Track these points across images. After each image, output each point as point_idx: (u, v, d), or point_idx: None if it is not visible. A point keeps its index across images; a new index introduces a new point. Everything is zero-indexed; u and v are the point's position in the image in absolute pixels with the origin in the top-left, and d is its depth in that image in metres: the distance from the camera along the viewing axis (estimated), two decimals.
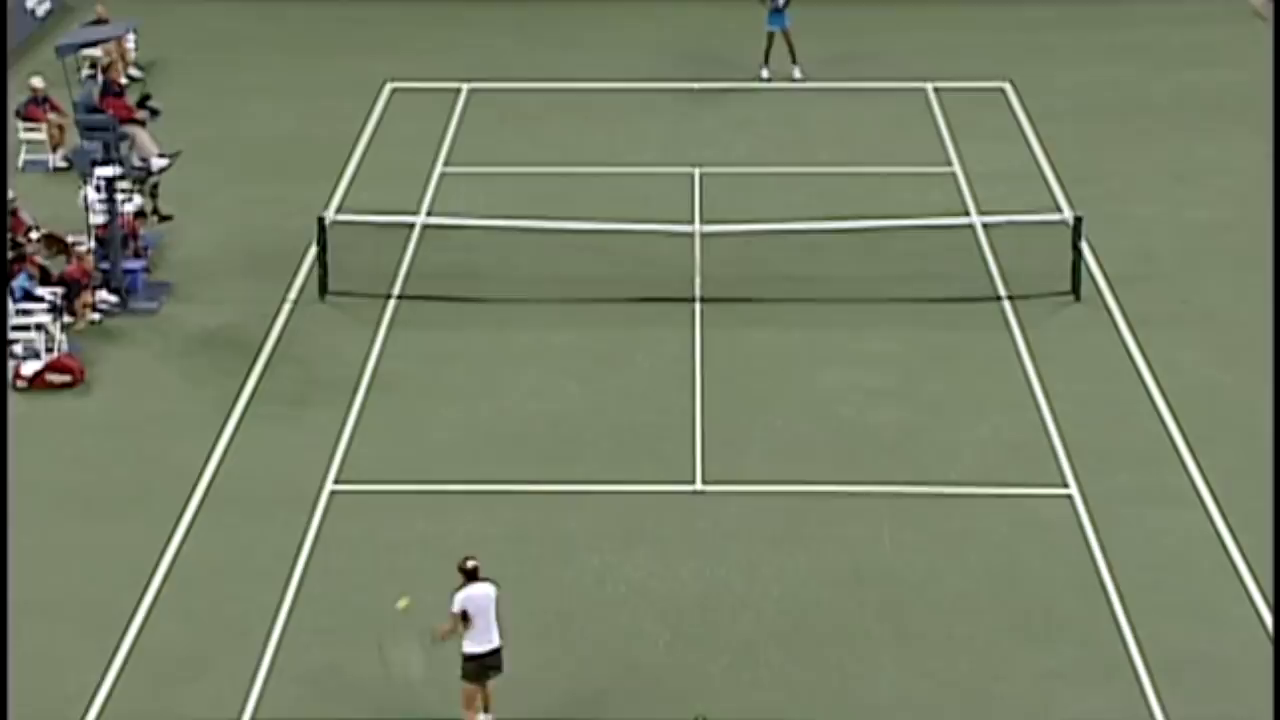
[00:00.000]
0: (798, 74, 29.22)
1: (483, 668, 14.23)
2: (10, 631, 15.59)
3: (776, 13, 29.14)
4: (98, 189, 22.00)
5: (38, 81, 26.46)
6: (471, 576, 14.15)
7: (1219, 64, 30.34)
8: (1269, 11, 32.98)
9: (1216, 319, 21.63)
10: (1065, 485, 18.11)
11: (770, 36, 29.17)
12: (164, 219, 24.20)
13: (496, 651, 14.21)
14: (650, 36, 31.89)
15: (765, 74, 29.22)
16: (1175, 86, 29.30)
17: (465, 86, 29.41)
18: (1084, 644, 15.71)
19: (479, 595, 14.11)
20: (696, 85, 29.25)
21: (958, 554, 17.03)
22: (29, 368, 20.19)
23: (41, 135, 26.17)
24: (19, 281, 21.13)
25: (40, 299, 21.03)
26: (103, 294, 21.93)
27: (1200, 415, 19.32)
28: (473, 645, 14.17)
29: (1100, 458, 18.55)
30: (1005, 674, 15.35)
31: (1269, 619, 15.99)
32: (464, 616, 14.07)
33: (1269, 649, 15.61)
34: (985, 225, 23.49)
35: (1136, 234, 23.88)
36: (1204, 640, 15.74)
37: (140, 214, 23.25)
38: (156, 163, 23.24)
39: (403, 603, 14.32)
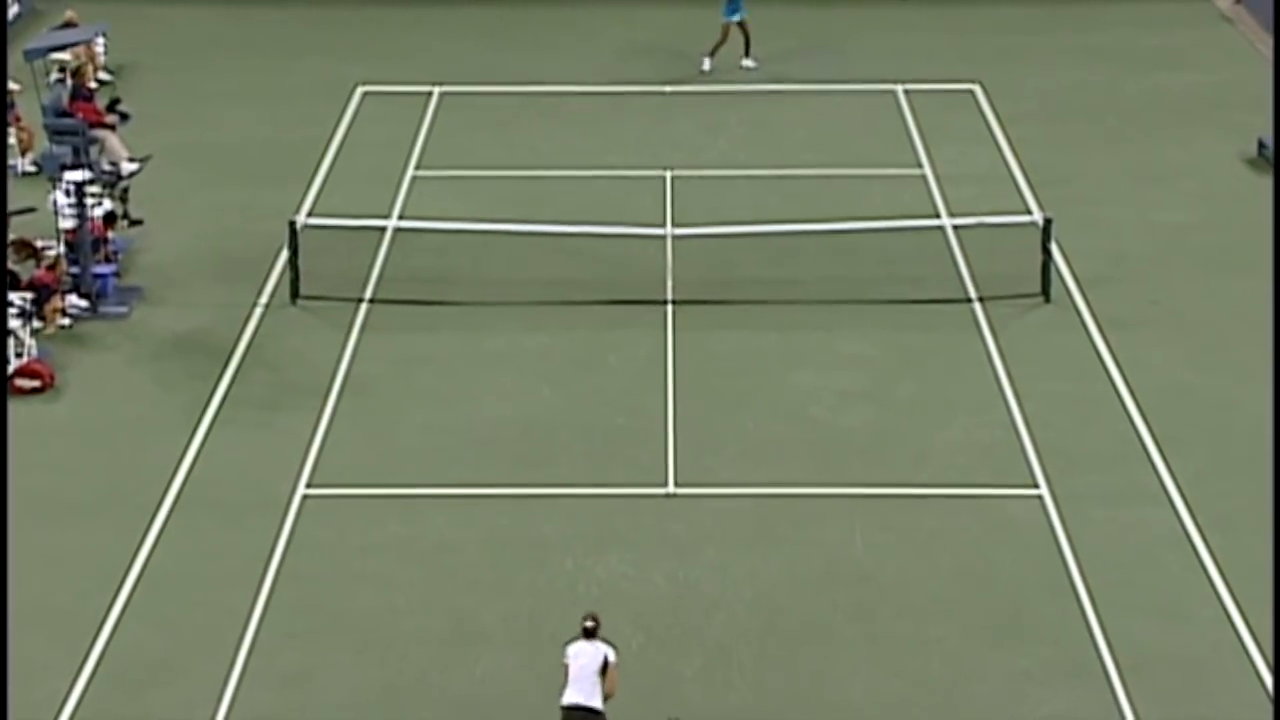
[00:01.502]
0: (750, 64, 29.60)
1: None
2: None
3: (733, 3, 29.40)
4: (67, 193, 21.93)
5: (11, 85, 26.35)
6: (587, 635, 14.04)
7: (1187, 67, 30.50)
8: (1238, 14, 33.19)
9: (1185, 320, 21.75)
10: (1035, 486, 18.19)
11: (725, 29, 29.39)
12: (134, 223, 24.13)
13: (578, 708, 13.84)
14: (621, 39, 31.92)
15: (707, 65, 29.57)
16: (1144, 89, 29.45)
17: (437, 89, 29.40)
18: (1054, 643, 15.78)
19: (577, 652, 13.97)
20: (669, 88, 29.28)
21: (929, 555, 17.09)
22: None
23: (10, 139, 26.05)
24: None
25: (10, 304, 20.94)
26: (72, 299, 21.86)
27: (1169, 415, 19.42)
28: (564, 697, 13.95)
29: (1070, 458, 18.63)
30: (976, 674, 15.42)
31: (1238, 618, 16.08)
32: (566, 669, 14.00)
33: (1238, 648, 15.70)
34: (956, 227, 23.57)
35: (1106, 236, 23.99)
36: (1173, 639, 15.83)
37: (110, 218, 23.17)
38: (126, 167, 23.19)
39: None
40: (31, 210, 22.65)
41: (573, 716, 13.84)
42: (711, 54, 29.68)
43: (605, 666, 13.91)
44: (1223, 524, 17.46)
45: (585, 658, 13.94)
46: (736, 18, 29.55)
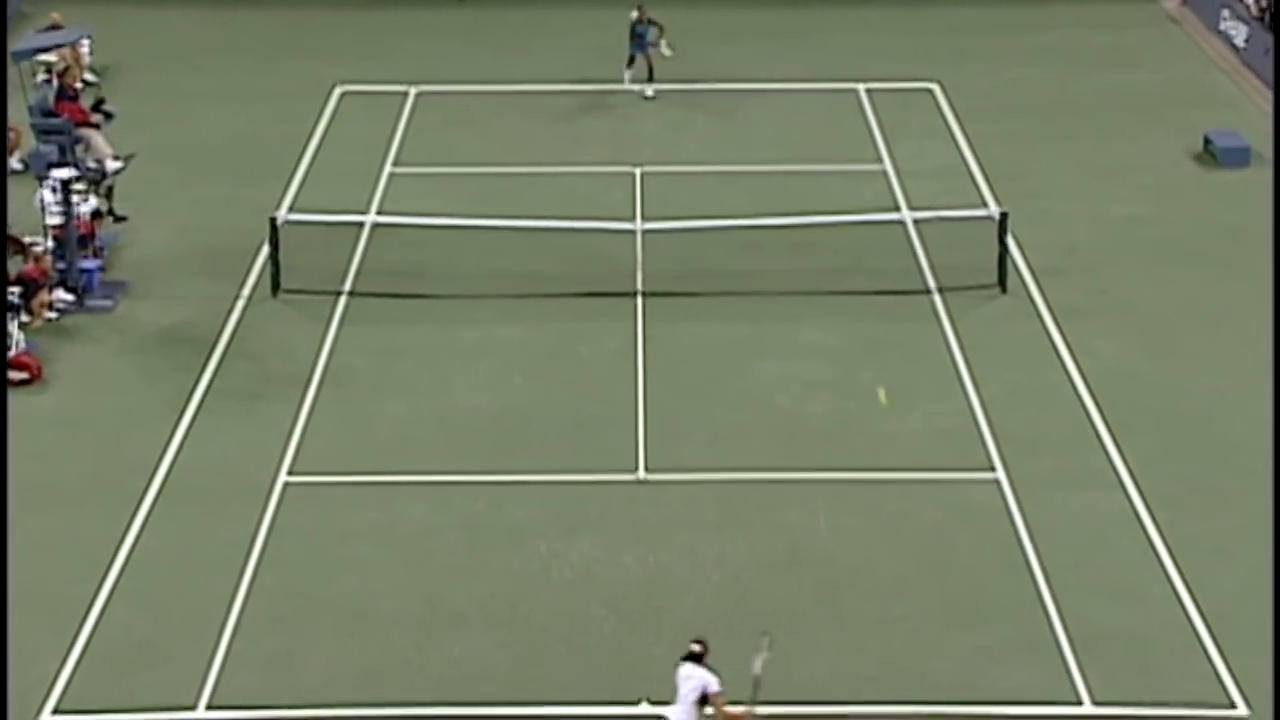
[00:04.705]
0: (650, 91, 28.76)
1: None
2: None
3: (641, 37, 28.70)
4: (54, 191, 21.79)
5: None
6: (691, 659, 13.57)
7: (1135, 66, 30.57)
8: (1184, 15, 33.27)
9: (1135, 309, 21.80)
10: (993, 470, 18.21)
11: (647, 59, 28.62)
12: (119, 219, 23.99)
13: None
14: (592, 41, 31.80)
15: (650, 91, 28.70)
16: (1094, 87, 29.51)
17: (413, 89, 29.28)
18: (1011, 621, 15.80)
19: (684, 675, 13.55)
20: (638, 87, 29.11)
21: (891, 537, 17.09)
22: None
23: None
24: None
25: None
26: (60, 293, 21.72)
27: (1120, 401, 19.46)
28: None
29: (1026, 443, 18.65)
30: (936, 651, 15.42)
31: (1185, 596, 16.13)
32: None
33: (1185, 625, 15.74)
34: (915, 221, 23.57)
35: (1059, 228, 24.03)
36: (1124, 617, 15.86)
37: (96, 215, 23.03)
38: (111, 165, 23.02)
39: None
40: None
41: None
42: (649, 80, 28.75)
43: (704, 697, 13.37)
44: (1171, 505, 17.50)
45: (686, 684, 13.47)
46: (646, 50, 28.66)
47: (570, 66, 30.43)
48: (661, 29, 28.67)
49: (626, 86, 28.90)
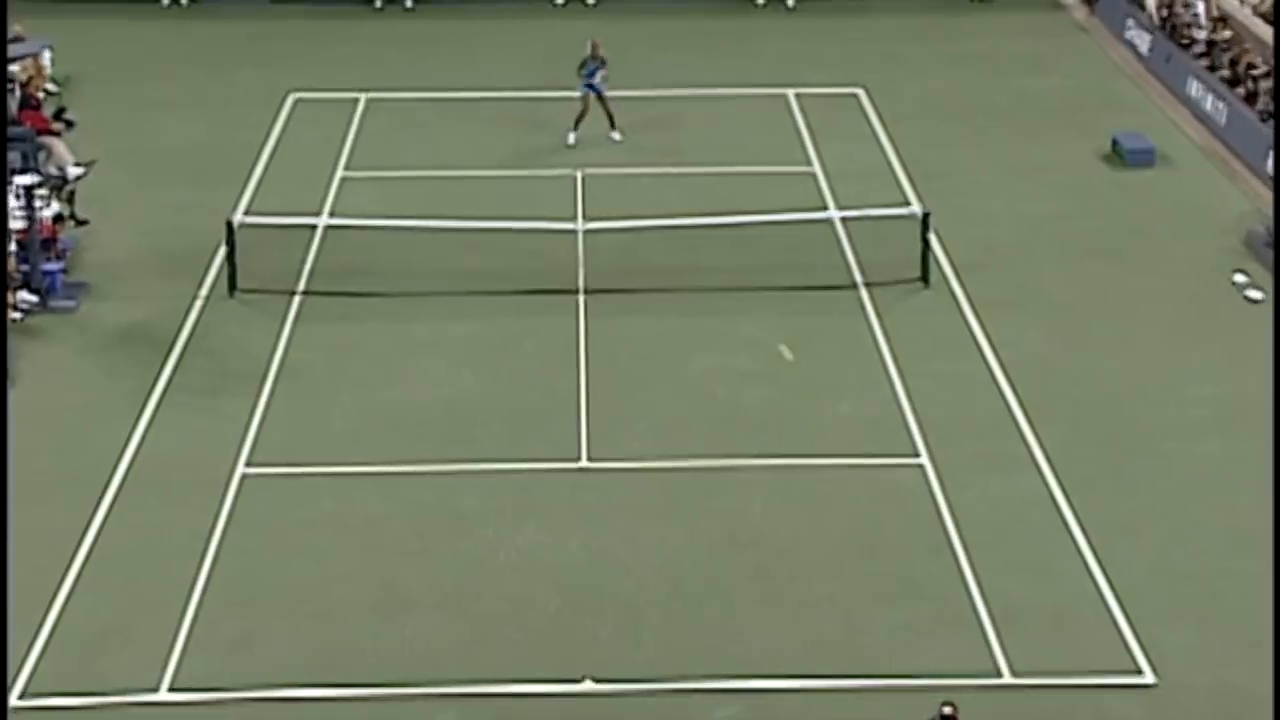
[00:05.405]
0: (617, 136, 26.75)
1: None
2: None
3: (589, 76, 26.68)
4: (17, 196, 21.61)
5: None
6: None
7: (1048, 72, 30.88)
8: (1092, 24, 33.61)
9: (1050, 302, 22.03)
10: (917, 455, 18.36)
11: (585, 100, 26.53)
12: (80, 223, 23.80)
13: None
14: (535, 49, 31.83)
15: (572, 139, 26.48)
16: (1011, 92, 29.77)
17: (364, 96, 29.18)
18: (934, 599, 15.95)
19: None
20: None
21: (821, 520, 17.21)
22: None
23: None
24: None
25: None
26: (23, 294, 21.55)
27: (1036, 389, 19.67)
28: None
29: (948, 429, 18.82)
30: (864, 628, 15.55)
31: (1098, 572, 16.33)
32: None
33: (1097, 599, 15.94)
34: (843, 219, 23.72)
35: (979, 225, 24.24)
36: (1040, 592, 16.05)
37: (58, 219, 22.85)
38: (72, 171, 22.87)
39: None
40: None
41: None
42: (575, 126, 26.68)
43: None
44: (1084, 487, 17.71)
45: None
46: (587, 91, 26.59)
47: (514, 75, 30.41)
48: (606, 67, 26.70)
49: (570, 144, 26.46)
